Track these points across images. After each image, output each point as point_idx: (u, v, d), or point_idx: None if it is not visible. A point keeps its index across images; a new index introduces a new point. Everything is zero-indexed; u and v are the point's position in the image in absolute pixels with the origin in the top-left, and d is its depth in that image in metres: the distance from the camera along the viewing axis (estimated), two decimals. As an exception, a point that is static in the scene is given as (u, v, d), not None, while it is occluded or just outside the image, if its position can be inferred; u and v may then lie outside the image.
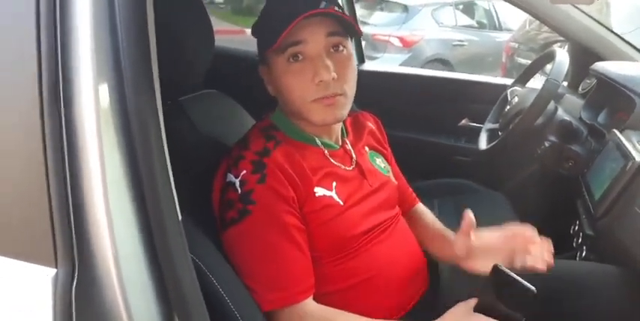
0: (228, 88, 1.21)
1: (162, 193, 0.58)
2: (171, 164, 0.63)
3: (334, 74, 0.84)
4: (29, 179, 0.55)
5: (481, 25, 6.43)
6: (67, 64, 0.54)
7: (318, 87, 0.85)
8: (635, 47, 1.65)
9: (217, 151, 0.92)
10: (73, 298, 0.53)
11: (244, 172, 0.83)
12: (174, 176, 0.63)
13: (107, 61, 0.56)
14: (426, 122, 1.97)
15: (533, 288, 0.76)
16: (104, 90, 0.56)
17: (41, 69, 0.54)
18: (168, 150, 0.63)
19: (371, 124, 1.09)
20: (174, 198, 0.62)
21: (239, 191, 0.82)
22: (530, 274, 0.83)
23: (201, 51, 0.98)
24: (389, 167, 1.09)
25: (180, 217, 0.62)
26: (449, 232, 1.09)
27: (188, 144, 0.93)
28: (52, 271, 0.54)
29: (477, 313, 0.82)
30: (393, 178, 1.07)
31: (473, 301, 0.84)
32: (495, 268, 0.80)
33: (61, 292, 0.53)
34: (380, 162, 1.07)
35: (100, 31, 0.56)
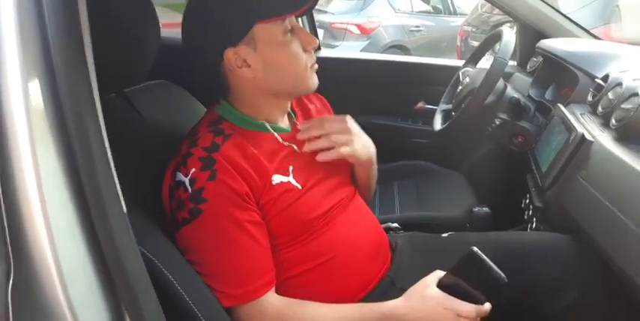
0: (178, 78, 1.19)
1: (103, 187, 0.56)
2: (117, 156, 0.62)
3: None
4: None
5: (437, 10, 6.52)
6: None
7: (309, 54, 0.90)
8: (579, 25, 1.70)
9: (166, 141, 0.90)
10: (9, 297, 0.51)
11: (194, 169, 0.81)
12: (120, 169, 0.61)
13: (36, 53, 0.54)
14: (383, 106, 1.99)
15: (504, 276, 0.77)
16: (34, 85, 0.54)
17: None
18: (115, 142, 0.61)
19: (317, 103, 1.09)
20: (117, 191, 0.60)
21: (189, 190, 0.80)
22: (482, 246, 0.85)
23: (146, 40, 0.95)
24: None
25: (125, 210, 0.61)
26: None
27: (134, 135, 0.91)
28: (-13, 271, 0.51)
29: (439, 290, 0.84)
30: None
31: (435, 278, 0.86)
32: (471, 252, 0.80)
33: (-5, 291, 0.51)
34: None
35: (26, 21, 0.54)
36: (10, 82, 0.53)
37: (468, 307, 0.81)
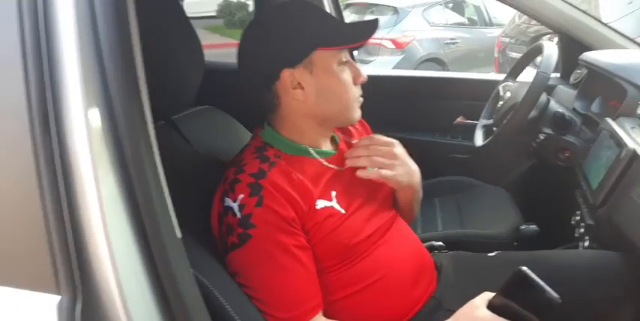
0: (222, 103, 1.22)
1: (158, 212, 0.59)
2: (168, 183, 0.64)
3: None
4: (26, 208, 0.56)
5: (472, 22, 6.46)
6: (55, 89, 0.55)
7: (358, 88, 0.94)
8: (622, 35, 1.65)
9: (213, 167, 0.93)
10: (78, 324, 0.53)
11: (242, 195, 0.83)
12: (171, 195, 0.64)
13: (95, 85, 0.57)
14: (421, 122, 1.98)
15: (557, 296, 0.72)
16: (94, 115, 0.57)
17: (30, 97, 0.55)
18: (164, 169, 0.64)
19: (357, 126, 1.11)
20: (170, 216, 0.62)
21: (238, 215, 0.83)
22: (532, 265, 0.82)
23: (191, 68, 0.99)
24: None
25: (179, 235, 0.63)
26: None
27: (183, 162, 0.94)
28: (56, 298, 0.54)
29: (488, 311, 0.81)
30: None
31: (484, 299, 0.84)
32: (519, 271, 0.76)
33: (66, 317, 0.53)
34: None
35: (86, 57, 0.57)
36: (73, 112, 0.56)
37: None
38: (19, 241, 0.57)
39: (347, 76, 0.91)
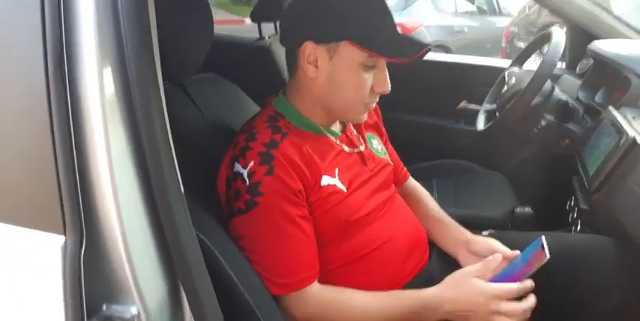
0: (227, 75, 1.23)
1: (165, 167, 0.60)
2: (174, 142, 0.65)
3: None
4: (38, 154, 0.57)
5: (481, 11, 6.40)
6: (71, 47, 0.56)
7: (374, 95, 0.92)
8: (632, 27, 1.65)
9: (220, 131, 0.94)
10: (82, 265, 0.55)
11: (252, 163, 0.84)
12: (176, 154, 0.65)
13: (110, 44, 0.58)
14: (425, 105, 1.99)
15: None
16: (108, 73, 0.58)
17: (46, 51, 0.56)
18: (171, 129, 0.65)
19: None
20: (176, 172, 0.64)
21: (247, 182, 0.84)
22: (525, 244, 0.85)
23: (200, 33, 0.99)
24: (385, 149, 1.12)
25: (182, 191, 0.64)
26: (441, 215, 1.12)
27: (190, 124, 0.96)
28: (62, 239, 0.56)
29: (476, 278, 0.84)
30: (389, 160, 1.09)
31: (477, 268, 0.86)
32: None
33: (70, 258, 0.55)
34: (377, 144, 1.09)
35: (103, 17, 0.58)
36: (88, 72, 0.57)
37: (506, 287, 0.81)
38: (30, 183, 0.59)
39: (365, 79, 0.88)
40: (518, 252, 0.90)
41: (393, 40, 0.88)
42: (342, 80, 0.89)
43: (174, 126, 0.65)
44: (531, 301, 0.82)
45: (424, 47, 0.87)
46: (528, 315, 0.83)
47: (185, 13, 0.95)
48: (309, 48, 0.87)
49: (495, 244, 0.97)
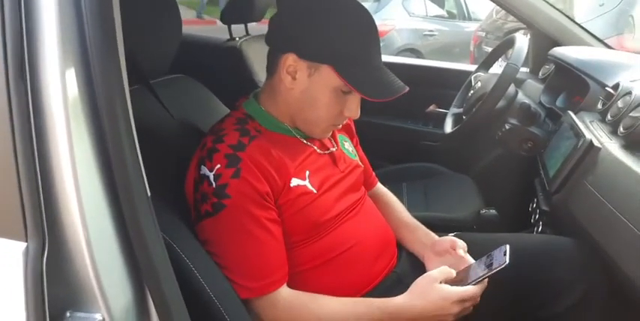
0: (194, 74, 1.22)
1: (130, 170, 0.59)
2: (141, 145, 0.65)
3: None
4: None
5: (451, 15, 6.53)
6: (33, 50, 0.55)
7: (342, 117, 0.94)
8: (592, 34, 1.72)
9: (188, 133, 0.93)
10: (44, 271, 0.54)
11: (219, 165, 0.84)
12: (143, 157, 0.64)
13: (73, 45, 0.57)
14: (394, 108, 2.01)
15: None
16: (71, 74, 0.56)
17: (6, 54, 0.54)
18: (139, 131, 0.64)
19: None
20: (142, 175, 0.63)
21: (213, 185, 0.84)
22: (489, 246, 0.88)
23: (168, 34, 0.99)
24: (355, 151, 1.13)
25: (149, 194, 0.64)
26: (409, 219, 1.15)
27: (159, 126, 0.95)
28: (23, 245, 0.55)
29: (442, 284, 0.87)
30: (359, 162, 1.10)
31: (441, 273, 0.89)
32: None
33: (32, 265, 0.54)
34: (348, 146, 1.10)
35: (66, 17, 0.56)
36: (49, 72, 0.56)
37: (470, 291, 0.86)
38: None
39: (337, 102, 0.90)
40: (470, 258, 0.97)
41: (374, 78, 0.89)
42: (316, 98, 0.90)
43: (142, 127, 0.65)
44: (484, 282, 0.88)
45: (401, 90, 0.89)
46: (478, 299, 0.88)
47: (152, 13, 0.94)
48: (290, 59, 0.87)
49: (457, 240, 1.02)
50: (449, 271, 0.91)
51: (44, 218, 0.54)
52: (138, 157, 0.62)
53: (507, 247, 0.88)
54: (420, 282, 0.90)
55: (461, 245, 1.00)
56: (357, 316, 0.88)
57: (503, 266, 0.84)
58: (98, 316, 0.57)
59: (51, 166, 0.55)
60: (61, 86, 0.56)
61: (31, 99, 0.55)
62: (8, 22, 0.54)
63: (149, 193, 0.63)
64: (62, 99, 0.56)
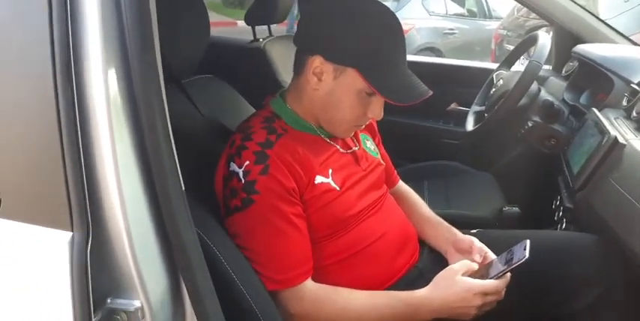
0: (220, 74, 1.26)
1: (167, 165, 0.63)
2: (174, 141, 0.68)
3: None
4: (45, 151, 0.59)
5: (471, 14, 6.47)
6: (78, 50, 0.58)
7: (365, 118, 0.96)
8: (617, 31, 1.70)
9: (218, 131, 0.96)
10: (89, 260, 0.57)
11: (247, 162, 0.87)
12: (178, 154, 0.67)
13: (114, 46, 0.60)
14: (415, 107, 2.00)
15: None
16: (112, 74, 0.60)
17: (54, 54, 0.58)
18: (171, 128, 0.67)
19: None
20: (177, 170, 0.66)
21: (242, 181, 0.86)
22: (510, 243, 0.89)
23: (196, 34, 1.02)
24: (377, 149, 1.15)
25: (183, 188, 0.67)
26: (431, 216, 1.16)
27: (190, 124, 0.98)
28: (69, 235, 0.58)
29: (464, 276, 0.89)
30: (381, 160, 1.12)
31: (463, 266, 0.91)
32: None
33: (77, 254, 0.57)
34: (370, 144, 1.12)
35: (108, 19, 0.60)
36: (93, 73, 0.59)
37: (493, 285, 0.87)
38: (39, 181, 0.61)
39: (362, 104, 0.92)
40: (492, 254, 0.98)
41: (398, 81, 0.90)
42: (340, 100, 0.92)
43: (174, 125, 0.68)
44: (507, 277, 0.88)
45: (425, 94, 0.91)
46: (503, 294, 0.89)
47: (182, 13, 0.97)
48: (317, 61, 0.89)
49: (477, 241, 1.03)
50: (469, 264, 0.92)
51: (88, 210, 0.58)
52: (173, 153, 0.65)
53: (528, 242, 0.88)
54: (442, 275, 0.91)
55: (477, 250, 1.01)
56: (379, 308, 0.90)
57: (522, 260, 0.85)
58: (137, 302, 0.61)
59: (94, 161, 0.59)
60: (103, 85, 0.59)
61: (77, 98, 0.58)
62: (56, 25, 0.57)
63: (183, 188, 0.66)
64: (105, 98, 0.59)
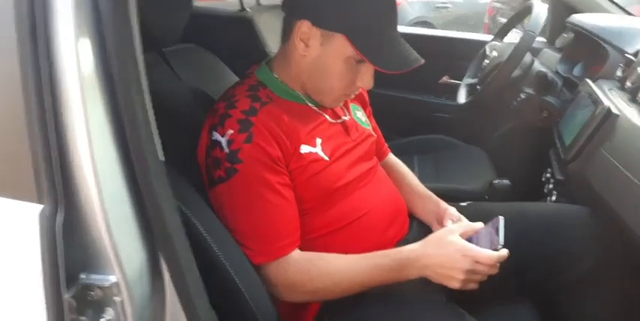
0: (206, 44, 1.21)
1: (143, 135, 0.59)
2: (155, 112, 0.64)
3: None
4: (12, 121, 0.56)
5: (465, -14, 6.35)
6: (47, 13, 0.54)
7: (355, 88, 0.93)
8: (612, 1, 1.66)
9: (200, 100, 0.93)
10: (60, 233, 0.54)
11: (231, 131, 0.84)
12: (156, 122, 0.64)
13: (86, 11, 0.56)
14: (407, 80, 1.97)
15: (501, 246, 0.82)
16: (85, 40, 0.56)
17: (21, 18, 0.54)
18: (152, 98, 0.64)
19: None
20: (154, 140, 0.63)
21: (226, 150, 0.83)
22: (501, 214, 0.87)
23: (179, 4, 0.97)
24: (368, 120, 1.12)
25: (162, 158, 0.64)
26: (420, 189, 1.14)
27: (171, 93, 0.94)
28: (39, 207, 0.55)
29: (457, 236, 0.85)
30: (372, 131, 1.09)
31: (459, 226, 0.88)
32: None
33: (47, 227, 0.54)
34: (361, 115, 1.09)
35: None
36: (63, 40, 0.55)
37: (487, 254, 0.81)
38: (4, 150, 0.57)
39: (350, 71, 0.89)
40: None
41: (388, 49, 0.87)
42: (328, 67, 0.89)
43: (154, 94, 0.64)
44: (505, 252, 0.82)
45: (416, 63, 0.87)
46: (497, 269, 0.84)
47: None
48: (304, 26, 0.86)
49: (451, 209, 1.04)
50: (468, 225, 0.89)
51: (59, 182, 0.55)
52: (149, 120, 0.61)
53: (501, 221, 0.83)
54: (436, 233, 0.88)
55: (448, 215, 1.02)
56: (366, 269, 0.86)
57: (500, 245, 0.81)
58: (112, 278, 0.58)
59: (65, 130, 0.55)
60: (75, 52, 0.55)
61: (45, 62, 0.54)
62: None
63: (162, 158, 0.63)
64: (76, 65, 0.55)
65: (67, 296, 0.55)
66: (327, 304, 0.92)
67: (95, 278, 0.58)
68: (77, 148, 0.55)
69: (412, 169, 1.62)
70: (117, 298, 0.58)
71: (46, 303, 0.55)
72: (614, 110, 1.01)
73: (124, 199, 0.59)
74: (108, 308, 0.59)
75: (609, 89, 1.15)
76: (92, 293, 0.58)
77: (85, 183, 0.56)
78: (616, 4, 1.66)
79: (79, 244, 0.57)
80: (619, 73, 1.19)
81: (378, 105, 1.21)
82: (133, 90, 0.58)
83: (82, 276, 0.58)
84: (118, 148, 0.59)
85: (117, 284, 0.58)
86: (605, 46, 1.31)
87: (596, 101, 1.07)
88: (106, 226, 0.57)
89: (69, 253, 0.56)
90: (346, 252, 0.94)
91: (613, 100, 1.07)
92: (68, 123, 0.55)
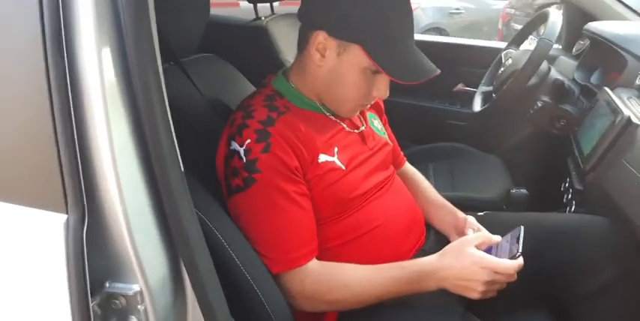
0: (222, 53, 1.23)
1: (164, 146, 0.60)
2: (172, 120, 0.65)
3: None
4: (38, 132, 0.57)
5: (478, -8, 6.33)
6: (69, 26, 0.55)
7: (370, 98, 0.93)
8: (629, 8, 1.65)
9: (218, 110, 0.94)
10: (85, 243, 0.56)
11: (249, 140, 0.84)
12: (175, 132, 0.65)
13: (108, 23, 0.57)
14: (421, 88, 1.97)
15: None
16: (107, 51, 0.57)
17: (44, 32, 0.55)
18: (171, 109, 0.65)
19: None
20: (176, 151, 0.64)
21: (244, 160, 0.84)
22: (518, 225, 0.86)
23: (196, 12, 0.99)
24: (385, 129, 1.12)
25: (182, 170, 0.65)
26: (437, 199, 1.13)
27: (190, 103, 0.95)
28: (64, 217, 0.56)
29: (475, 248, 0.84)
30: (388, 140, 1.10)
31: (476, 237, 0.87)
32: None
33: (73, 236, 0.55)
34: (377, 124, 1.09)
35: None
36: (86, 52, 0.56)
37: (506, 264, 0.81)
38: (30, 161, 0.59)
39: (366, 82, 0.89)
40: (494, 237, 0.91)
41: (404, 59, 0.87)
42: (344, 77, 0.89)
43: (173, 104, 0.65)
44: (520, 260, 0.82)
45: (432, 73, 0.87)
46: (515, 277, 0.83)
47: None
48: (320, 37, 0.87)
49: (471, 219, 1.04)
50: (485, 236, 0.88)
51: (84, 192, 0.56)
52: (172, 133, 0.62)
53: (522, 231, 0.84)
54: (453, 244, 0.88)
55: (469, 224, 1.01)
56: (383, 281, 0.86)
57: (519, 253, 0.81)
58: (136, 286, 0.59)
59: (89, 142, 0.56)
60: (97, 65, 0.56)
61: (70, 77, 0.55)
62: (46, 6, 0.54)
63: (183, 169, 0.64)
64: (99, 75, 0.56)
65: (92, 304, 0.56)
66: (344, 313, 0.92)
67: (119, 287, 0.59)
68: (101, 159, 0.57)
69: (427, 177, 1.61)
70: (140, 307, 0.59)
71: (72, 311, 0.56)
72: (635, 119, 0.99)
73: (146, 209, 0.60)
74: (132, 316, 0.59)
75: (628, 98, 1.14)
76: (117, 301, 0.59)
77: (109, 193, 0.57)
78: (634, 10, 1.65)
79: (102, 254, 0.58)
80: (638, 81, 1.18)
81: (392, 112, 1.21)
82: (154, 101, 0.59)
83: (107, 284, 0.59)
84: (140, 159, 0.60)
85: (140, 293, 0.59)
86: (624, 53, 1.29)
87: (616, 110, 1.06)
88: (128, 235, 0.58)
89: (93, 262, 0.57)
90: (362, 263, 0.94)
91: (632, 109, 1.06)
92: (91, 134, 0.56)
